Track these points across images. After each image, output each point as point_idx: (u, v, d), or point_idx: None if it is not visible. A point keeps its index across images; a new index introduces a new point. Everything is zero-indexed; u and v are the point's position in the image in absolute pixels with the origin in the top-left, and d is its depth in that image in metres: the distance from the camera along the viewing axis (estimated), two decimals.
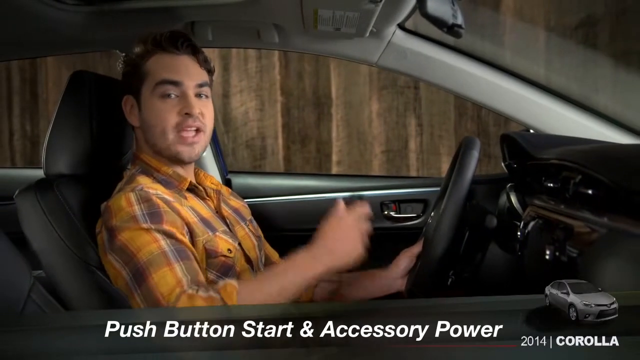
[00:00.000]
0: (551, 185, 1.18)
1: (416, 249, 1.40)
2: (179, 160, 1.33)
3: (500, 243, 1.46)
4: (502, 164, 1.58)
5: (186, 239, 1.23)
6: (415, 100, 3.06)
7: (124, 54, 1.37)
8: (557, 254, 0.98)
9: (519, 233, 1.22)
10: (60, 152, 1.34)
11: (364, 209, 1.23)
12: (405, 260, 1.41)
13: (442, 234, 1.23)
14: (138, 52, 1.33)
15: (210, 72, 1.38)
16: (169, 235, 1.20)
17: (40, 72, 3.25)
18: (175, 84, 1.30)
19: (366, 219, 1.22)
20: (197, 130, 1.31)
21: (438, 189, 1.50)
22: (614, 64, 2.69)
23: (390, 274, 1.41)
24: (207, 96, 1.34)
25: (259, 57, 3.12)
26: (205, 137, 1.34)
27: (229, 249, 1.29)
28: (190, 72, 1.31)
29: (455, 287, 1.33)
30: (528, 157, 1.36)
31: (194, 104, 1.30)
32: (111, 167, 1.43)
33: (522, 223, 1.22)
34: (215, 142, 1.95)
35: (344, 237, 1.19)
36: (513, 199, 1.45)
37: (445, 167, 2.96)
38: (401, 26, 1.61)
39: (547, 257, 1.00)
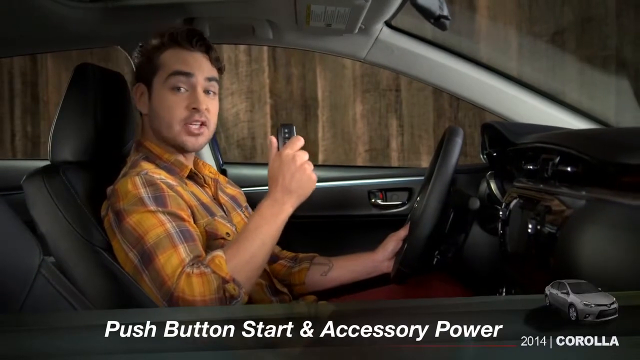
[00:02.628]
0: (531, 167, 1.19)
1: (403, 232, 1.40)
2: (183, 149, 1.33)
3: (481, 225, 1.47)
4: (482, 154, 1.59)
5: (191, 220, 1.22)
6: (397, 103, 3.06)
7: (140, 45, 1.36)
8: (538, 227, 0.98)
9: (500, 213, 1.23)
10: (66, 141, 1.33)
11: (297, 139, 1.21)
12: (392, 243, 1.40)
13: (428, 215, 1.23)
14: (154, 44, 1.33)
15: (220, 70, 1.37)
16: (174, 217, 1.19)
17: (41, 75, 3.21)
18: (187, 75, 1.29)
19: (301, 146, 1.20)
20: (202, 124, 1.31)
21: (422, 178, 1.51)
22: (582, 64, 2.73)
23: (378, 256, 1.41)
24: (214, 93, 1.34)
25: (249, 62, 3.11)
26: (209, 131, 1.33)
27: (227, 233, 1.29)
28: (202, 67, 1.31)
29: (441, 266, 1.33)
30: (508, 144, 1.37)
31: (202, 99, 1.30)
32: (113, 156, 1.42)
33: (504, 203, 1.23)
34: None
35: (293, 172, 1.18)
36: (492, 185, 1.46)
37: (425, 164, 2.97)
38: (388, 23, 1.61)
39: (530, 231, 1.00)
